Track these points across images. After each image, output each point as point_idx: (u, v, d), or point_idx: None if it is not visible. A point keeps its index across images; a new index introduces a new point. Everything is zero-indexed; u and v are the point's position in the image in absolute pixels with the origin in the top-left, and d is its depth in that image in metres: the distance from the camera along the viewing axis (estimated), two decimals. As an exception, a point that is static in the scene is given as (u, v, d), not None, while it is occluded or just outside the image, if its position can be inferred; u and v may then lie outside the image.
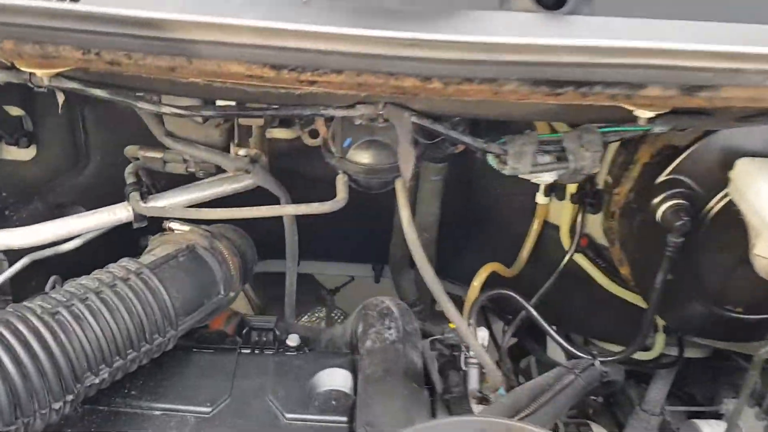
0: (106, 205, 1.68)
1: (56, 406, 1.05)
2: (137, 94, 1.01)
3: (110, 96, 0.99)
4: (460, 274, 1.89)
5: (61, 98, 1.02)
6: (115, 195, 1.68)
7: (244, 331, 1.39)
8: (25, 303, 1.13)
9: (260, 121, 1.20)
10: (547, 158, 1.12)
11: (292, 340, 1.36)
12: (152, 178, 1.43)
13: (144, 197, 1.31)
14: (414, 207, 1.54)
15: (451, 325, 1.39)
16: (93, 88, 0.98)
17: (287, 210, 1.31)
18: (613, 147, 1.42)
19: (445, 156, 1.44)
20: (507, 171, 1.13)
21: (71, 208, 1.72)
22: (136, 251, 1.35)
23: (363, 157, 1.17)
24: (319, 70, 0.87)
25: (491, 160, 1.15)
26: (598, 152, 1.09)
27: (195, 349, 1.34)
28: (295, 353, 1.35)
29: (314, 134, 1.21)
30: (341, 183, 1.20)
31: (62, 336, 1.06)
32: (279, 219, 1.45)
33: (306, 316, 2.45)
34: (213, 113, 1.08)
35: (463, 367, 1.30)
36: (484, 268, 1.71)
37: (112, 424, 1.19)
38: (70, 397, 1.07)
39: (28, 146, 1.57)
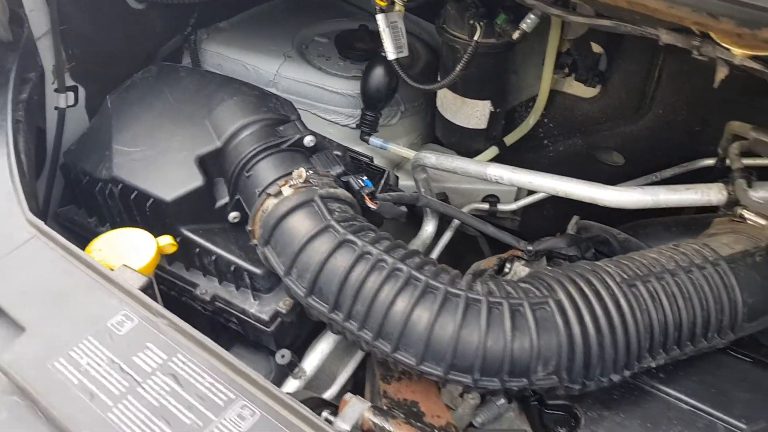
0: (644, 160, 1.62)
1: (615, 378, 1.05)
2: None
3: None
4: None
5: (723, 74, 0.92)
6: (655, 154, 1.60)
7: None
8: (600, 263, 1.13)
9: None
10: None
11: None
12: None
13: (750, 185, 1.16)
14: None
15: None
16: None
17: None
18: None
19: None
20: None
21: (606, 152, 1.69)
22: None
23: None
24: None
25: None
26: None
27: (730, 352, 1.23)
28: None
29: None
30: None
31: (637, 312, 1.04)
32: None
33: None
34: None
35: None
36: None
37: (635, 398, 1.16)
38: (627, 373, 1.06)
39: (595, 86, 1.55)
